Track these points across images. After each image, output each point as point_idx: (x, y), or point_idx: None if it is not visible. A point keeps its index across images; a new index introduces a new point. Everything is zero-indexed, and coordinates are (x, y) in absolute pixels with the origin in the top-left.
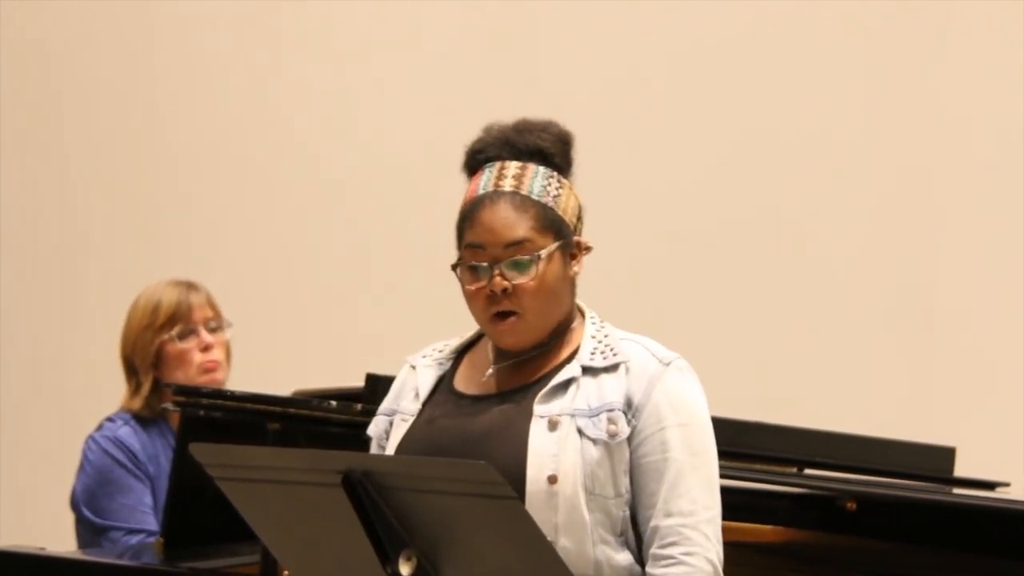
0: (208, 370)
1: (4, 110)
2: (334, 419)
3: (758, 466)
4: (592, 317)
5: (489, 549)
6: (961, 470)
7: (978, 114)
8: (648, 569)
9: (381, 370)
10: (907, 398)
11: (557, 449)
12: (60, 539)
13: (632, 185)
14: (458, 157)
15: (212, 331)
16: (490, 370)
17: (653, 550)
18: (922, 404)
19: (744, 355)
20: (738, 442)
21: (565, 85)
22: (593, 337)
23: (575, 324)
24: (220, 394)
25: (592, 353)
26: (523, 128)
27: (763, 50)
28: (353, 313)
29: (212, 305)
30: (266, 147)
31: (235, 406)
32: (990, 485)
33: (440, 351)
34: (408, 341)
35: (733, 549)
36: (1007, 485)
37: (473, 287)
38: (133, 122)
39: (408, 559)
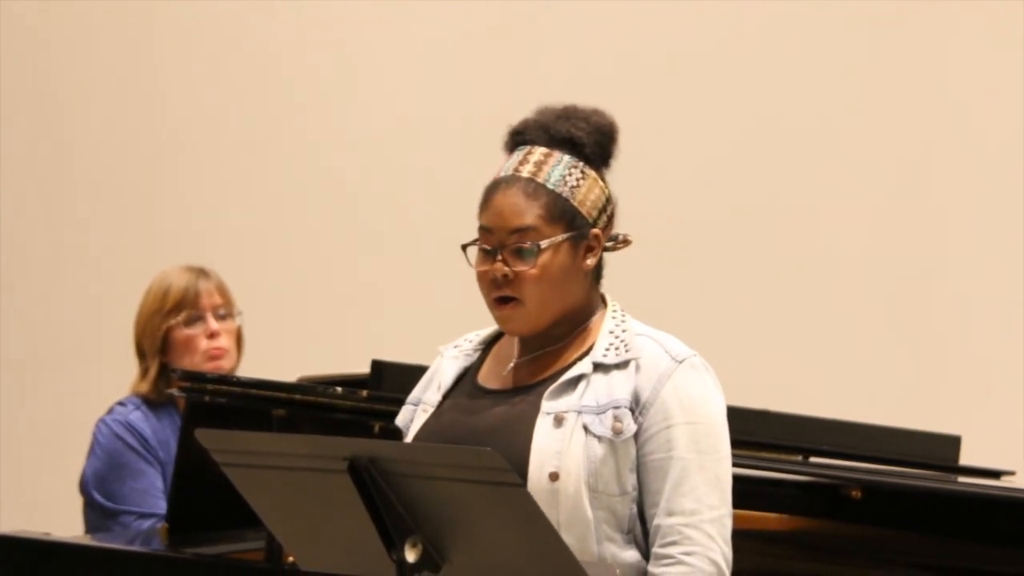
0: (213, 357)
1: (6, 103)
2: (339, 406)
3: (763, 454)
4: (614, 312)
5: (494, 536)
6: (966, 458)
7: (982, 106)
8: (649, 568)
9: (386, 357)
10: (912, 386)
11: (561, 446)
12: (64, 524)
13: (637, 175)
14: (463, 146)
15: (221, 318)
16: (510, 365)
17: (655, 549)
18: (928, 392)
19: (749, 343)
20: (743, 430)
21: (572, 76)
22: (611, 332)
23: (595, 318)
24: (225, 380)
25: (606, 349)
26: (564, 115)
27: (766, 42)
28: (359, 300)
29: (222, 292)
30: (270, 136)
31: (240, 392)
32: (995, 474)
33: (470, 342)
34: (414, 329)
35: (738, 537)
36: (1012, 474)
37: (479, 269)
38: (137, 111)
39: (414, 545)
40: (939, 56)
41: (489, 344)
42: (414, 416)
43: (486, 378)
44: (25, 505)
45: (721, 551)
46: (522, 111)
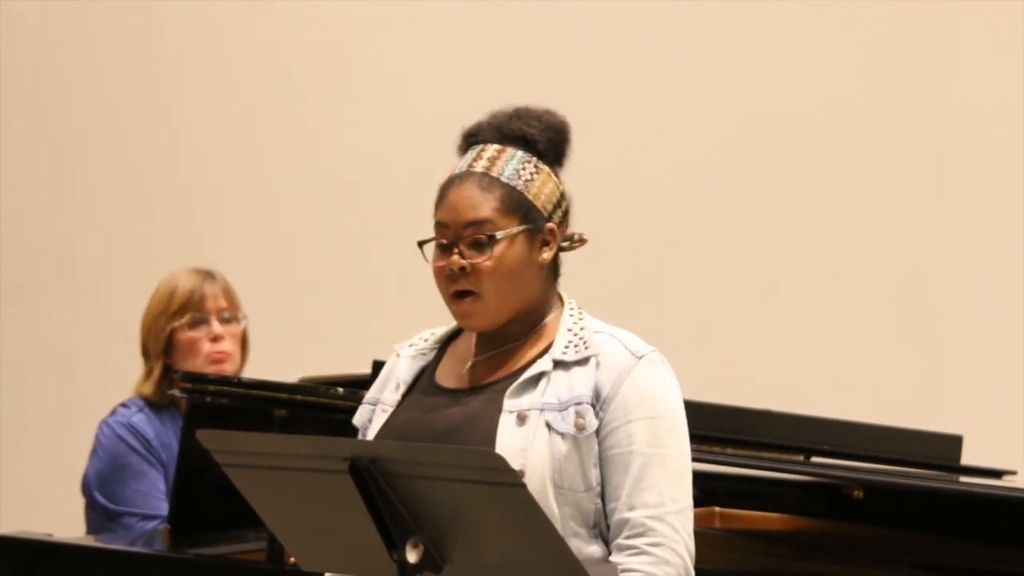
0: (216, 361)
1: (6, 102)
2: (341, 406)
3: (765, 454)
4: (571, 309)
5: (496, 536)
6: (968, 458)
7: (984, 98)
8: (612, 558)
9: (387, 357)
10: (914, 386)
11: (525, 444)
12: (66, 525)
13: (637, 172)
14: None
15: (225, 322)
16: (468, 363)
17: (619, 540)
18: (929, 392)
19: (751, 344)
20: (745, 430)
21: (572, 75)
22: (569, 330)
23: (551, 316)
24: (227, 381)
25: (566, 347)
26: (517, 115)
27: (763, 36)
28: (360, 300)
29: (228, 295)
30: (272, 137)
31: (242, 393)
32: (996, 473)
33: (425, 341)
34: (416, 329)
35: (740, 537)
36: (1013, 473)
37: (436, 264)
38: (138, 111)
39: (415, 546)
40: (940, 54)
41: (445, 343)
42: (373, 416)
43: (444, 377)
44: (26, 506)
45: (685, 544)
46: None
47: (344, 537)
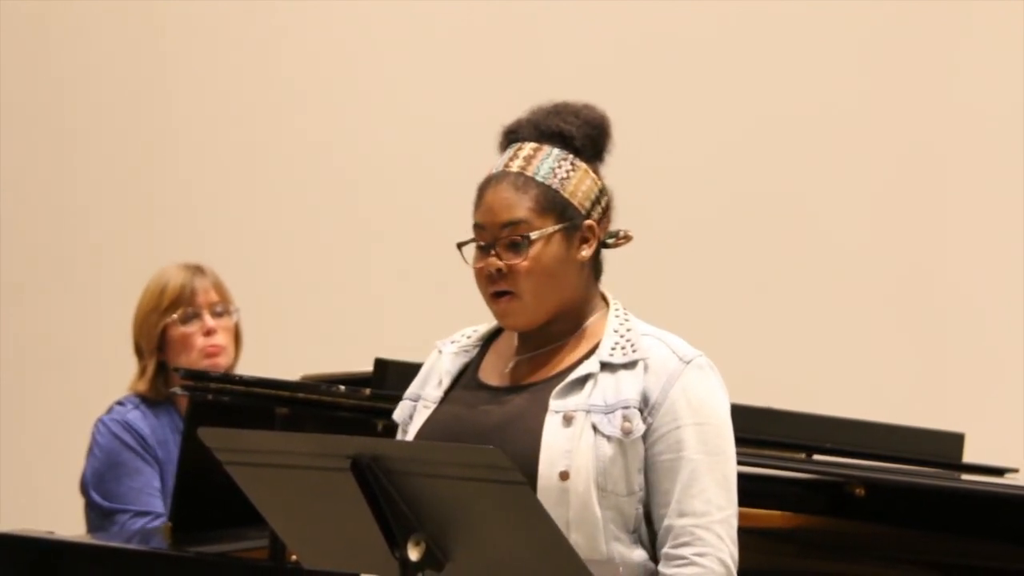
0: (210, 355)
1: (5, 101)
2: (343, 404)
3: (767, 452)
4: (616, 310)
5: (498, 534)
6: (970, 456)
7: (984, 98)
8: (660, 568)
9: (390, 355)
10: (916, 384)
11: (571, 445)
12: (68, 524)
13: (639, 171)
14: (465, 142)
15: (217, 315)
16: (512, 362)
17: (666, 550)
18: (931, 390)
19: (753, 341)
20: (747, 428)
21: (575, 74)
22: (616, 331)
23: (596, 316)
24: (228, 379)
25: (612, 349)
26: (555, 111)
27: (764, 36)
28: (362, 298)
29: (219, 289)
30: (272, 134)
31: (243, 391)
32: (998, 471)
33: (468, 338)
34: (417, 327)
35: (742, 535)
36: (1015, 471)
37: (475, 266)
38: (137, 109)
39: (417, 544)
40: (940, 54)
41: (488, 340)
42: (414, 412)
43: (487, 374)
44: (27, 504)
45: (729, 551)
46: (524, 109)
47: (346, 535)
